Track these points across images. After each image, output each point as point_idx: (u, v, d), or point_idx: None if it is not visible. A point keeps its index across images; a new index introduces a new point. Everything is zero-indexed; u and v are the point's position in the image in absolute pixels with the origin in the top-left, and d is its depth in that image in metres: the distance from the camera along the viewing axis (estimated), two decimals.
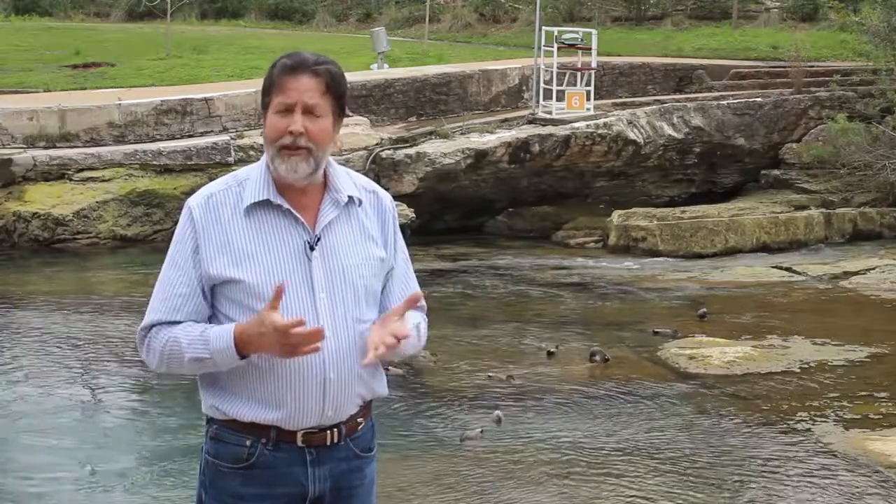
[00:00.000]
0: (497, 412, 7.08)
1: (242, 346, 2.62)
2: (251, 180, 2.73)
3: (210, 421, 2.80)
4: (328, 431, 2.73)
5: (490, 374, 8.14)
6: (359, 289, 2.74)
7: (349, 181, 2.80)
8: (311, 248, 2.70)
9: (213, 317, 2.73)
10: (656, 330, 9.49)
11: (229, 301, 2.70)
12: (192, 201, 2.74)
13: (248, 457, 2.71)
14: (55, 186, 12.98)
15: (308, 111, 2.65)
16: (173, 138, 14.04)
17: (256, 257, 2.67)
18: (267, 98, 2.70)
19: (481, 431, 6.84)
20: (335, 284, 2.71)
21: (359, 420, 2.80)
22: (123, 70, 17.68)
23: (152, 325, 2.72)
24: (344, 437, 2.77)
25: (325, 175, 2.75)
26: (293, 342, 2.57)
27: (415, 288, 2.90)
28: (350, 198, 2.77)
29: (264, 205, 2.70)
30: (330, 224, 2.73)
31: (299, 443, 2.71)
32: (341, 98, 2.73)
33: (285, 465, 2.71)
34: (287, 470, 2.71)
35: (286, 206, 2.70)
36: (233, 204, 2.71)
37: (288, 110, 2.65)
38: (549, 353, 8.76)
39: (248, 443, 2.71)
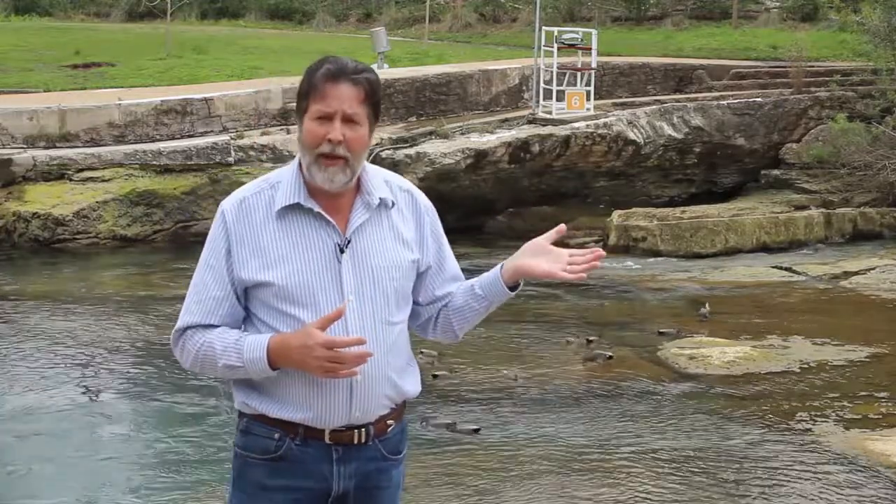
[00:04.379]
0: (475, 427, 7.05)
1: (276, 359, 2.63)
2: (283, 183, 2.73)
3: (240, 415, 2.82)
4: (356, 431, 2.74)
5: (505, 371, 8.17)
6: (388, 291, 2.74)
7: (381, 183, 2.79)
8: (342, 251, 2.70)
9: (246, 319, 2.75)
10: (661, 330, 9.49)
11: (261, 304, 2.71)
12: (226, 205, 2.75)
13: (276, 449, 2.73)
14: (55, 186, 12.99)
15: (347, 119, 2.65)
16: (173, 138, 14.06)
17: (286, 260, 2.68)
18: (304, 103, 2.68)
19: (448, 426, 6.93)
20: (364, 287, 2.70)
21: (389, 422, 2.80)
22: (123, 70, 17.68)
23: (187, 328, 2.73)
24: (372, 438, 2.77)
25: (359, 177, 2.74)
26: (342, 360, 2.59)
27: (453, 269, 2.93)
28: (381, 200, 2.76)
29: (295, 208, 2.70)
30: (361, 227, 2.73)
31: (327, 440, 2.72)
32: (378, 106, 2.74)
33: (312, 461, 2.73)
34: (313, 465, 2.73)
35: (317, 209, 2.70)
36: (265, 207, 2.71)
37: (327, 118, 2.64)
38: (609, 358, 8.62)
39: (276, 436, 2.73)
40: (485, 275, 2.89)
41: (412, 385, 2.87)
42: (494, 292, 2.86)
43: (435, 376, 8.06)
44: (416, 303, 2.89)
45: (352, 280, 2.70)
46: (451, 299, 2.90)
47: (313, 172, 2.67)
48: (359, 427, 2.74)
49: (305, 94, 2.68)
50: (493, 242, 14.29)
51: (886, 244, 13.94)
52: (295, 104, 2.77)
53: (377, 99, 2.73)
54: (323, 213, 2.70)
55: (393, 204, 2.79)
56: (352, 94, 2.65)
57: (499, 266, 2.87)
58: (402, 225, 2.80)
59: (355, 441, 2.74)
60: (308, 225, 2.70)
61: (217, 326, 2.71)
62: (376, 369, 2.70)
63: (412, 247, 2.81)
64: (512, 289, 2.85)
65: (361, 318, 2.68)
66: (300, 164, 2.73)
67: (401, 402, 2.84)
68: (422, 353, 8.42)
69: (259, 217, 2.71)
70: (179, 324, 2.75)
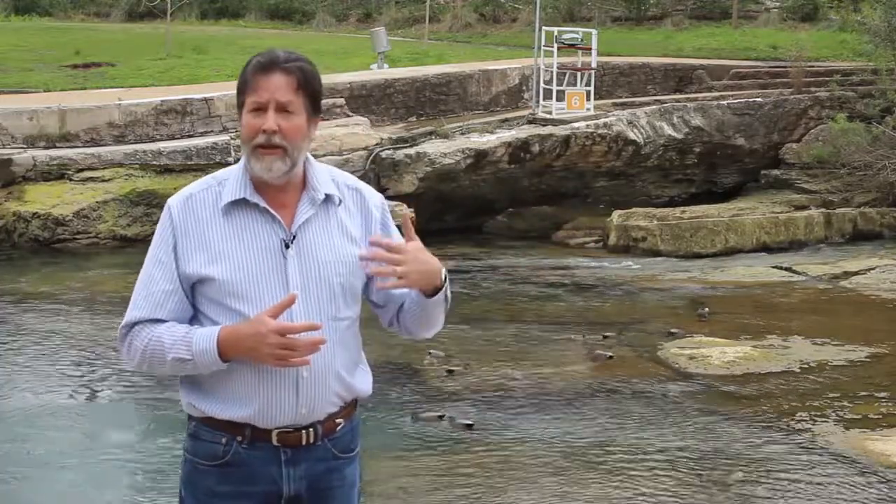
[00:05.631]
0: (467, 421, 7.08)
1: (226, 349, 2.62)
2: (230, 180, 2.74)
3: (189, 418, 2.80)
4: (303, 431, 2.73)
5: (508, 370, 8.21)
6: (335, 286, 2.73)
7: (328, 179, 2.79)
8: (287, 246, 2.70)
9: (194, 317, 2.73)
10: (671, 330, 9.48)
11: (207, 300, 2.71)
12: (172, 201, 2.75)
13: (224, 454, 2.71)
14: (55, 186, 12.99)
15: (281, 109, 2.65)
16: (173, 138, 14.05)
17: (231, 255, 2.68)
18: (241, 98, 2.71)
19: (441, 417, 7.03)
20: (310, 282, 2.70)
21: (338, 420, 2.79)
22: (123, 70, 17.68)
23: (135, 323, 2.72)
24: (321, 438, 2.75)
25: (304, 173, 2.75)
26: (294, 346, 2.58)
27: None
28: (327, 196, 2.76)
29: (241, 203, 2.71)
30: (307, 222, 2.73)
31: (274, 442, 2.71)
32: (315, 96, 2.72)
33: (260, 464, 2.71)
34: (262, 469, 2.71)
35: (263, 204, 2.70)
36: (212, 203, 2.72)
37: (261, 109, 2.65)
38: (609, 357, 8.68)
39: (223, 440, 2.72)
40: None
41: (363, 384, 2.84)
42: (420, 300, 2.77)
43: (450, 371, 8.14)
44: (374, 304, 2.88)
45: (297, 275, 2.69)
46: (405, 302, 2.83)
47: (252, 164, 2.68)
48: (306, 427, 2.72)
49: (241, 89, 2.70)
50: (493, 242, 14.30)
51: (886, 244, 13.94)
52: None
53: (314, 88, 2.71)
54: (268, 208, 2.70)
55: (340, 201, 2.78)
56: (283, 83, 2.65)
57: None
58: (348, 221, 2.79)
59: (303, 442, 2.73)
60: (254, 220, 2.71)
61: (165, 321, 2.70)
62: (323, 364, 2.68)
63: (360, 243, 2.79)
64: (430, 296, 2.74)
65: (307, 314, 2.67)
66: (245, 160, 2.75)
67: (351, 400, 2.82)
68: (430, 353, 8.47)
69: (206, 213, 2.71)
70: (126, 320, 2.73)
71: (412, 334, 2.90)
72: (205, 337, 2.64)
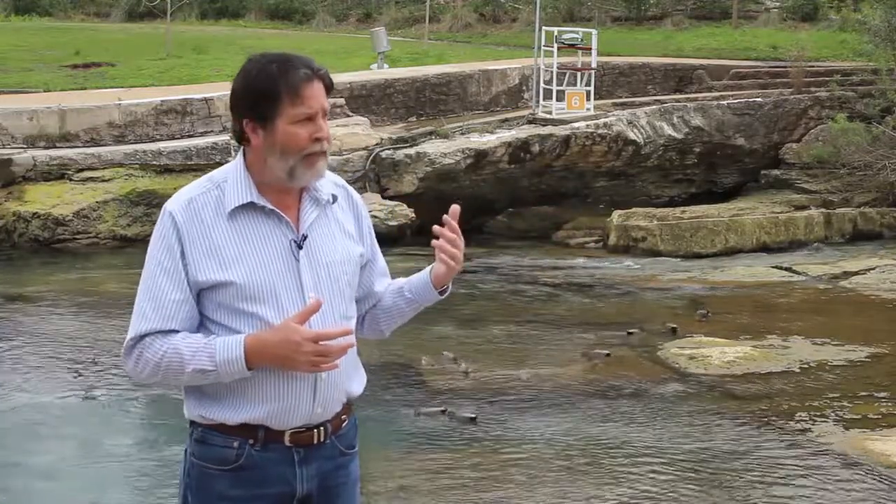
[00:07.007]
0: (471, 415, 7.14)
1: (253, 358, 2.59)
2: (230, 183, 2.69)
3: (194, 423, 2.76)
4: (315, 430, 2.73)
5: (508, 371, 8.21)
6: (343, 285, 2.76)
7: (325, 179, 2.80)
8: (299, 247, 2.69)
9: (200, 325, 2.69)
10: (673, 327, 9.48)
11: (217, 306, 2.66)
12: (172, 206, 2.68)
13: (237, 458, 2.69)
14: (55, 186, 13.00)
15: (324, 115, 2.68)
16: (173, 138, 14.06)
17: (244, 259, 2.65)
18: (273, 107, 2.62)
19: (443, 412, 7.13)
20: (322, 283, 2.71)
21: (342, 417, 2.81)
22: (123, 70, 17.69)
23: (145, 335, 2.64)
24: (329, 436, 2.76)
25: None
26: (328, 352, 2.58)
27: (383, 263, 2.97)
28: (329, 196, 2.78)
29: (248, 207, 2.68)
30: (313, 223, 2.73)
31: (287, 442, 2.70)
32: None
33: (273, 466, 2.70)
34: (275, 470, 2.70)
35: (270, 206, 2.69)
36: (213, 207, 2.67)
37: (309, 119, 2.64)
38: (607, 355, 8.71)
39: (235, 444, 2.69)
40: (414, 278, 2.90)
41: (362, 381, 2.88)
42: (424, 297, 2.88)
43: (455, 361, 8.25)
44: None
45: (309, 276, 2.69)
46: (381, 300, 2.92)
47: (299, 174, 2.66)
48: (317, 426, 2.73)
49: (274, 98, 2.61)
50: (493, 242, 14.29)
51: (886, 244, 13.94)
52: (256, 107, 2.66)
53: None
54: (277, 210, 2.69)
55: (335, 199, 2.81)
56: (322, 89, 2.68)
57: (427, 270, 2.88)
58: (344, 219, 2.82)
59: (315, 441, 2.73)
60: (261, 223, 2.69)
61: (177, 332, 2.63)
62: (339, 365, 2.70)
63: (356, 240, 2.83)
64: (442, 293, 2.88)
65: (322, 315, 2.66)
66: (245, 163, 2.71)
67: (351, 397, 2.85)
68: (442, 354, 8.48)
69: (208, 217, 2.66)
70: (134, 332, 2.65)
71: (378, 332, 2.98)
72: (229, 346, 2.60)
